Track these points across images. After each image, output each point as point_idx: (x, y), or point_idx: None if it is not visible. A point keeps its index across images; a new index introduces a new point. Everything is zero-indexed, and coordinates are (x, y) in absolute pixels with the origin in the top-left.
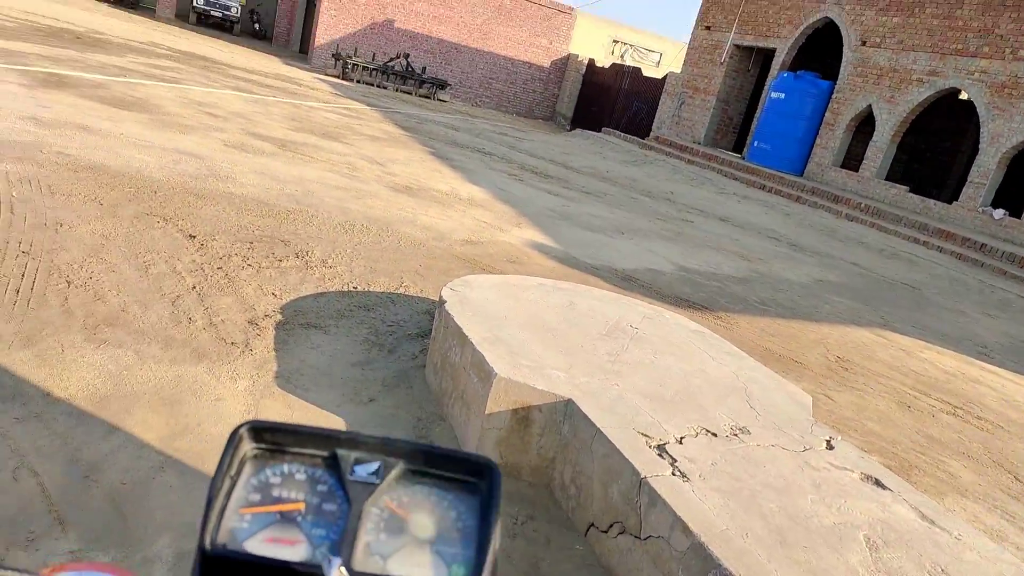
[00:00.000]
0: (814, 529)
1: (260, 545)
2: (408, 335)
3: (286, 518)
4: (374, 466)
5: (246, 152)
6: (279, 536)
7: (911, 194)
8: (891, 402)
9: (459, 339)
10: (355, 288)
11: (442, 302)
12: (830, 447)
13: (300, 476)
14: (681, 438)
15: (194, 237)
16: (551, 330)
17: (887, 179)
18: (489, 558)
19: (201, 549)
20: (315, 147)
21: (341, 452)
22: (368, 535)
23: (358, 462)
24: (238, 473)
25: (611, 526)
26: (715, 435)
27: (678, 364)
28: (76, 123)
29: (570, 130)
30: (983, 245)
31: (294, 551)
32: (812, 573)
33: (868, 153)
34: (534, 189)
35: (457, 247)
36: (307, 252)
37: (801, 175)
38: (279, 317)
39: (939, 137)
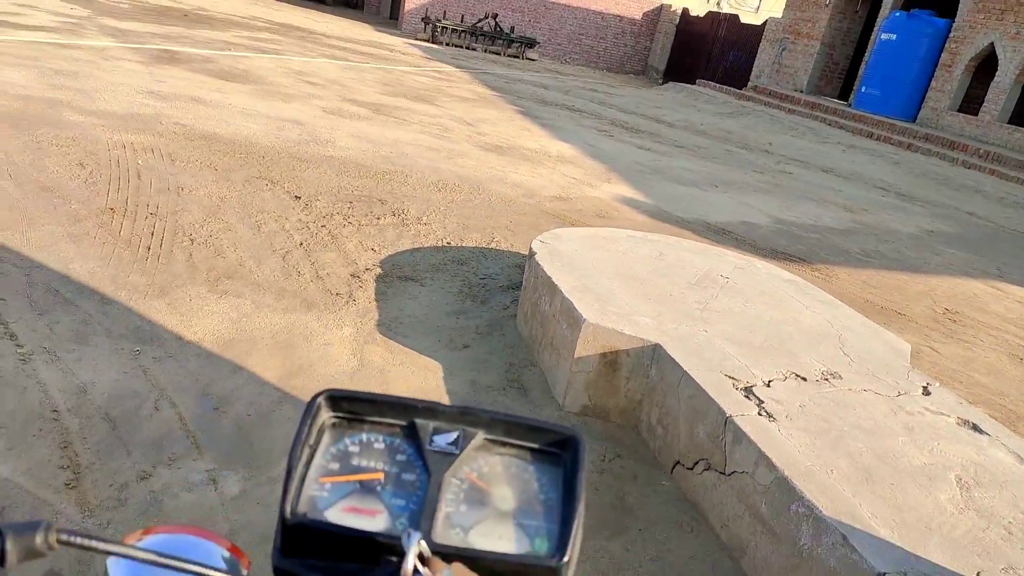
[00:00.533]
0: (903, 469)
1: (340, 515)
2: (499, 287)
3: (365, 487)
4: (453, 436)
5: (343, 117)
6: (359, 506)
7: None
8: (1002, 355)
9: (549, 288)
10: (448, 243)
11: (532, 254)
12: (927, 393)
13: (379, 445)
14: (769, 381)
15: (299, 198)
16: (640, 279)
17: (1010, 123)
18: (574, 532)
19: (282, 517)
20: (407, 110)
21: (419, 421)
22: (448, 506)
23: (437, 432)
24: (317, 442)
25: (696, 463)
26: (804, 379)
27: (769, 312)
28: (189, 95)
29: (662, 83)
30: None
31: (374, 521)
32: (898, 508)
33: (989, 95)
34: (624, 144)
35: (546, 203)
36: (403, 210)
37: (913, 121)
38: (379, 271)
39: None
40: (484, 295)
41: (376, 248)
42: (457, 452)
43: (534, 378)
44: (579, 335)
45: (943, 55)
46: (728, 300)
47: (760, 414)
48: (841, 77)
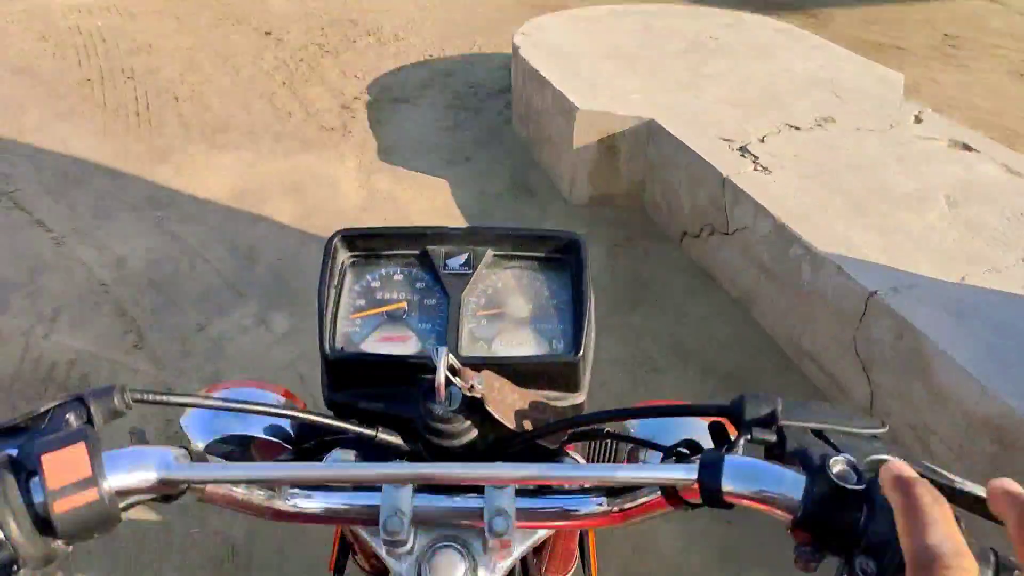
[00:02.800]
0: (894, 197)
1: (374, 344)
2: (489, 93)
3: (392, 317)
4: (464, 257)
5: None
6: (390, 334)
7: None
8: (1002, 74)
9: (538, 83)
10: (431, 56)
11: (516, 49)
12: (918, 120)
13: (397, 277)
14: (763, 137)
15: (269, 34)
16: (627, 56)
17: None
18: (586, 328)
19: (324, 356)
20: None
21: (431, 248)
22: (469, 322)
23: (448, 256)
24: (340, 282)
25: (701, 230)
26: (797, 129)
27: (761, 67)
28: None
29: None
30: None
31: (405, 346)
32: (888, 233)
33: None
34: None
35: None
36: (378, 28)
37: None
38: (367, 97)
39: None
40: (476, 104)
41: (360, 74)
42: (470, 272)
43: (539, 178)
44: (575, 124)
45: None
46: (718, 62)
47: (756, 170)
48: None
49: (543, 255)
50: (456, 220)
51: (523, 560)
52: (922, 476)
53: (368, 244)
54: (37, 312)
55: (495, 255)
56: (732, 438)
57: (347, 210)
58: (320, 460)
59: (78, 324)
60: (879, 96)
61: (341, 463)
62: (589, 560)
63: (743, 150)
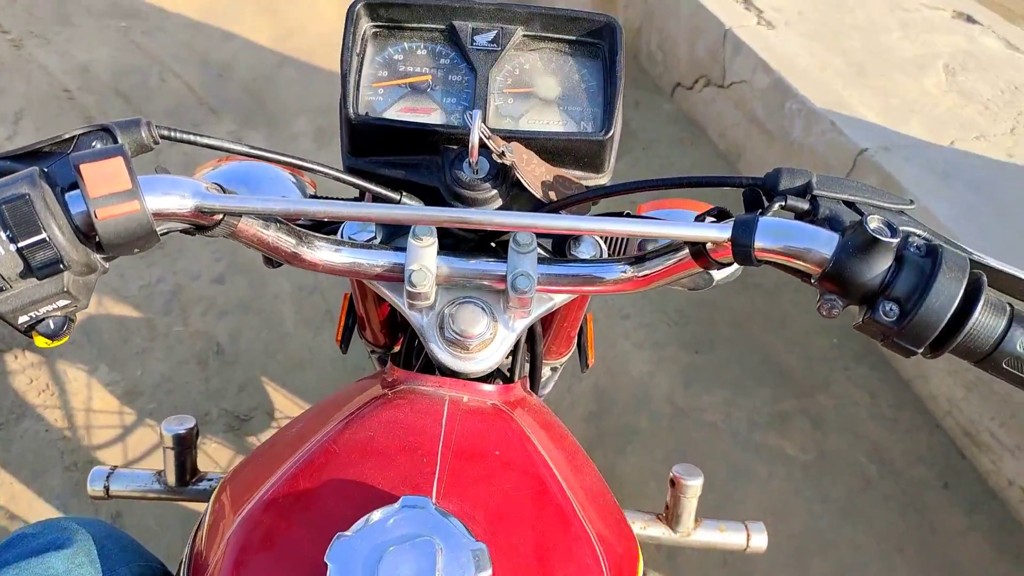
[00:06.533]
0: (894, 61)
1: (398, 114)
2: None
3: (416, 89)
4: (492, 34)
5: None
6: (414, 106)
7: None
8: None
9: None
10: None
11: None
12: None
13: (422, 51)
14: None
15: None
16: None
17: None
18: (617, 109)
19: (347, 119)
20: None
21: (458, 23)
22: (497, 99)
23: (476, 32)
24: (363, 51)
25: (696, 81)
26: None
27: None
28: None
29: None
30: None
31: (430, 117)
32: (885, 95)
33: None
34: None
35: None
36: None
37: None
38: None
39: None
40: None
41: None
42: (499, 49)
43: None
44: None
45: None
46: None
47: (759, 23)
48: None
49: (575, 38)
50: None
51: (530, 334)
52: (947, 244)
53: (392, 14)
54: None
55: (525, 35)
56: (766, 206)
57: (329, 34)
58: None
59: (42, 129)
60: None
61: (374, 204)
62: (587, 347)
63: (747, 3)
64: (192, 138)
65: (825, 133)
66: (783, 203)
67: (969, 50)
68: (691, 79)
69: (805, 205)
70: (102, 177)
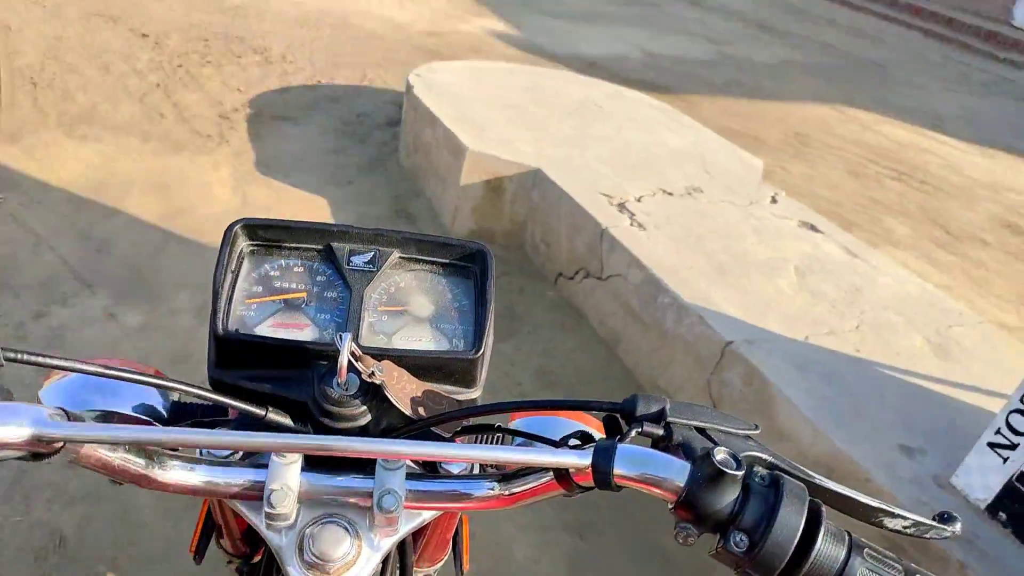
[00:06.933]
0: (751, 263)
1: (269, 329)
2: (377, 124)
3: (290, 306)
4: (369, 255)
5: None
6: (286, 321)
7: None
8: (842, 171)
9: (429, 120)
10: (319, 82)
11: (410, 87)
12: (774, 201)
13: (298, 268)
14: (640, 197)
15: (147, 36)
16: (518, 109)
17: None
18: (487, 329)
19: (215, 335)
20: None
21: (336, 244)
22: (371, 316)
23: (353, 253)
24: (238, 268)
25: (576, 272)
26: (670, 194)
27: (640, 136)
28: None
29: None
30: (951, 20)
31: (303, 333)
32: (745, 293)
33: None
34: None
35: (417, 38)
36: (265, 48)
37: None
38: (248, 111)
39: None
40: (362, 132)
41: (242, 88)
42: (375, 270)
43: (421, 207)
44: (463, 163)
45: None
46: (602, 126)
47: (632, 225)
48: None
49: (448, 261)
50: None
51: (401, 546)
52: (787, 471)
53: (270, 234)
54: None
55: (401, 256)
56: (624, 431)
57: (218, 215)
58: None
59: None
60: (741, 176)
61: (233, 431)
62: (461, 551)
63: (621, 206)
64: (40, 360)
65: (694, 326)
66: (639, 429)
67: (814, 255)
68: (572, 270)
69: (660, 431)
70: None
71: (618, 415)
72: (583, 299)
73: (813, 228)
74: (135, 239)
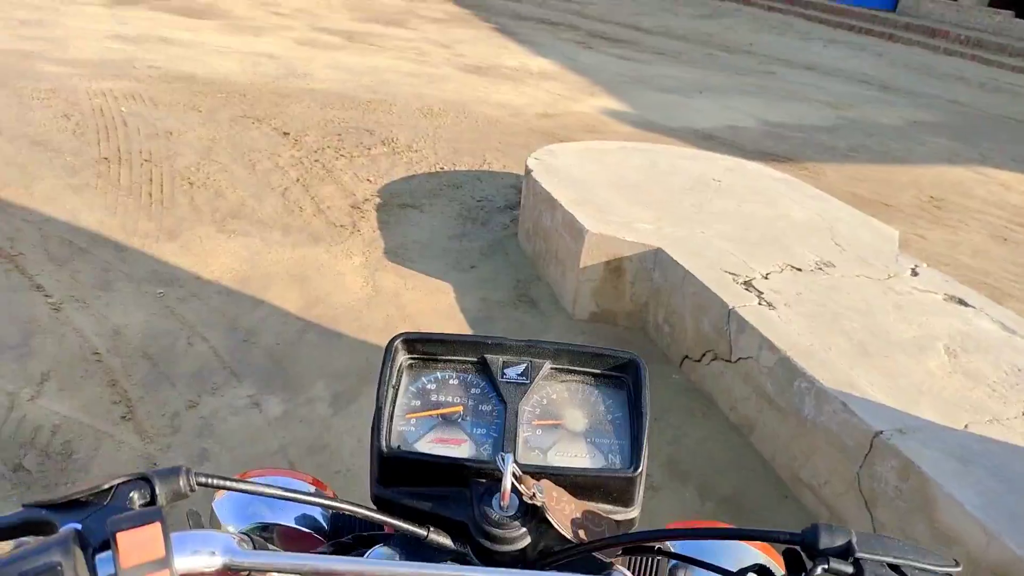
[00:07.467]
0: (894, 342)
1: (429, 445)
2: (497, 208)
3: (447, 420)
4: (522, 367)
5: (317, 47)
6: (444, 437)
7: (1017, 19)
8: (986, 236)
9: (548, 203)
10: (442, 169)
11: (529, 171)
12: (915, 274)
13: (454, 381)
14: (767, 274)
15: (287, 134)
16: (635, 188)
17: (990, 5)
18: (644, 445)
19: (379, 452)
20: (381, 35)
21: (489, 357)
22: (525, 431)
23: (507, 365)
24: (398, 382)
25: (703, 355)
26: (799, 270)
27: (762, 210)
28: (157, 36)
29: None
30: None
31: (460, 449)
32: (891, 376)
33: None
34: (604, 55)
35: (533, 121)
36: (392, 139)
37: (894, 10)
38: (377, 200)
39: None
40: (483, 217)
41: (372, 178)
42: (528, 382)
43: (542, 291)
44: (583, 245)
45: None
46: (722, 201)
47: (760, 304)
48: None
49: (600, 371)
50: (459, 324)
51: None
52: None
53: (427, 348)
54: (26, 374)
55: (553, 368)
56: (808, 567)
57: (351, 304)
58: (361, 555)
59: (65, 390)
60: (875, 247)
61: (411, 563)
62: None
63: (747, 284)
64: (227, 483)
65: (837, 413)
66: (826, 566)
67: (967, 332)
68: (698, 352)
69: (849, 568)
70: (136, 545)
71: (799, 548)
72: (712, 383)
73: (962, 302)
74: (277, 329)
